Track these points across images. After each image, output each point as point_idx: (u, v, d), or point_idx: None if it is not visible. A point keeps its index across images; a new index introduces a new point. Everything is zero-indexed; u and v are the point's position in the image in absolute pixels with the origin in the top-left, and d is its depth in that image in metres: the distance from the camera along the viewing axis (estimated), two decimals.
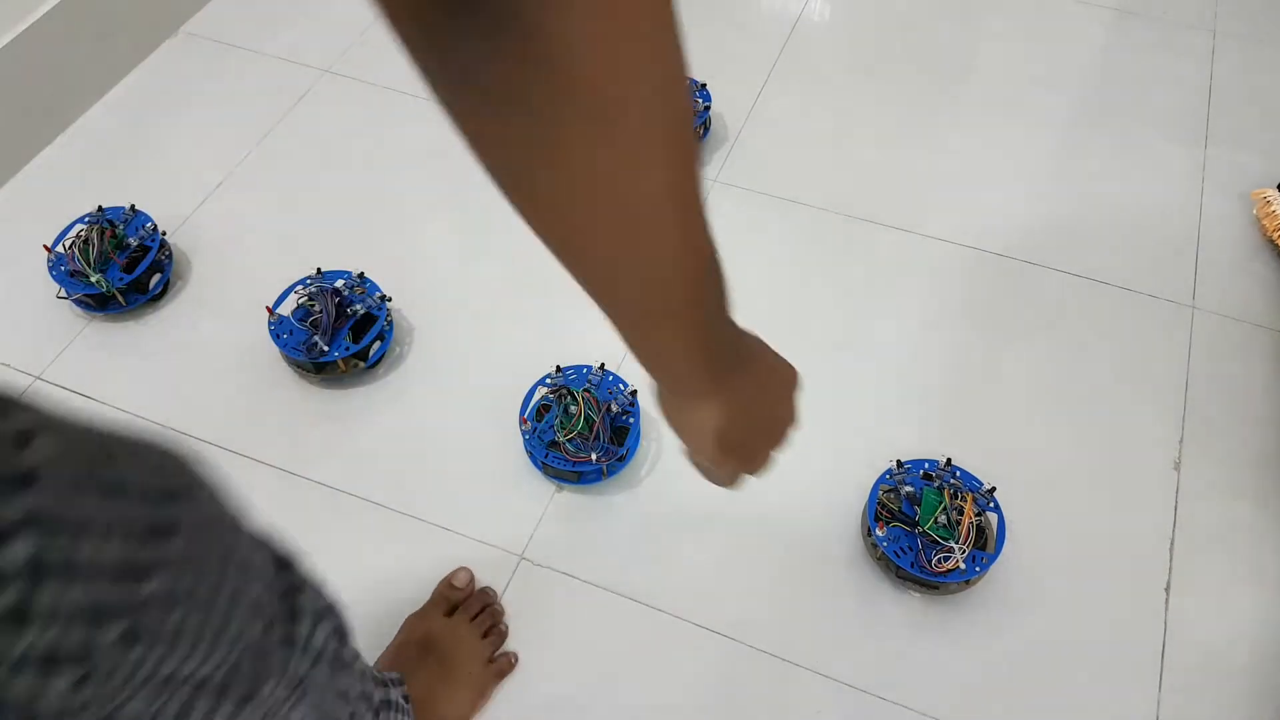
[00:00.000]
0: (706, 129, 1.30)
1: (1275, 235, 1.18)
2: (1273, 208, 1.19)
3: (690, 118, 0.29)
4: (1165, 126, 1.34)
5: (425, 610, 0.90)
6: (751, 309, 1.22)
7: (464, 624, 0.89)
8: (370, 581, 0.93)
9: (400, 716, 0.74)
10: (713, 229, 0.35)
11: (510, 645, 0.90)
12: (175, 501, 0.32)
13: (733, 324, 0.42)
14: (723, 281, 0.38)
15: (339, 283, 1.07)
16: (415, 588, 0.93)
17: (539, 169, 0.28)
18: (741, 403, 0.45)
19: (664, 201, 0.30)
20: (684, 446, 0.49)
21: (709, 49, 1.44)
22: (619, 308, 0.36)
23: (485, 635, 0.89)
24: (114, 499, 0.29)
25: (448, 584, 0.92)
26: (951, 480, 0.94)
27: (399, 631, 0.89)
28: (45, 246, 1.10)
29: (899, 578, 0.92)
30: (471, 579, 0.93)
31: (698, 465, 0.51)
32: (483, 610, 0.90)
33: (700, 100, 1.28)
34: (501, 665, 0.88)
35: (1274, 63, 1.43)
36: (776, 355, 0.52)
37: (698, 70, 1.35)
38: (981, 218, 1.24)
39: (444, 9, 0.23)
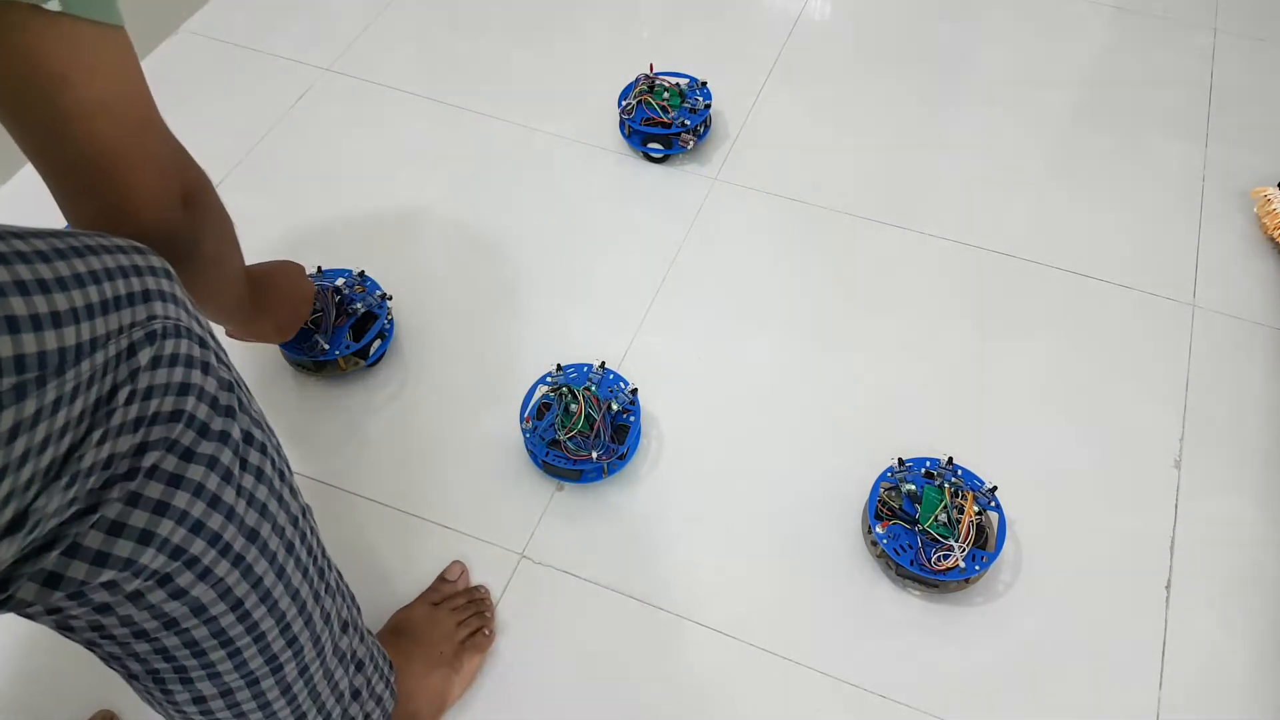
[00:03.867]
0: (707, 128, 1.30)
1: (1276, 233, 1.18)
2: (1273, 206, 1.19)
3: (238, 260, 0.78)
4: (1166, 124, 1.34)
5: (413, 601, 0.91)
6: (752, 306, 1.22)
7: (444, 611, 0.89)
8: (370, 579, 0.93)
9: (379, 687, 0.76)
10: (244, 272, 0.81)
11: (510, 644, 0.90)
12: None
13: (249, 281, 0.84)
14: (244, 278, 0.82)
15: (339, 281, 1.07)
16: (415, 585, 0.93)
17: (203, 281, 0.69)
18: (277, 303, 0.95)
19: (238, 278, 0.79)
20: (238, 332, 0.92)
21: (709, 49, 1.44)
22: (225, 314, 0.83)
23: (465, 623, 0.89)
24: None
25: (441, 578, 0.92)
26: (953, 479, 0.94)
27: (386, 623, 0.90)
28: None
29: (899, 575, 0.93)
30: (463, 573, 0.93)
31: (243, 338, 0.95)
32: (468, 603, 0.90)
33: (701, 99, 1.28)
34: (477, 640, 0.88)
35: (1275, 61, 1.43)
36: (281, 266, 0.98)
37: (698, 70, 1.35)
38: (982, 216, 1.24)
39: (173, 255, 0.57)
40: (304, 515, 0.64)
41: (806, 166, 1.29)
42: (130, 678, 0.60)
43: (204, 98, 1.37)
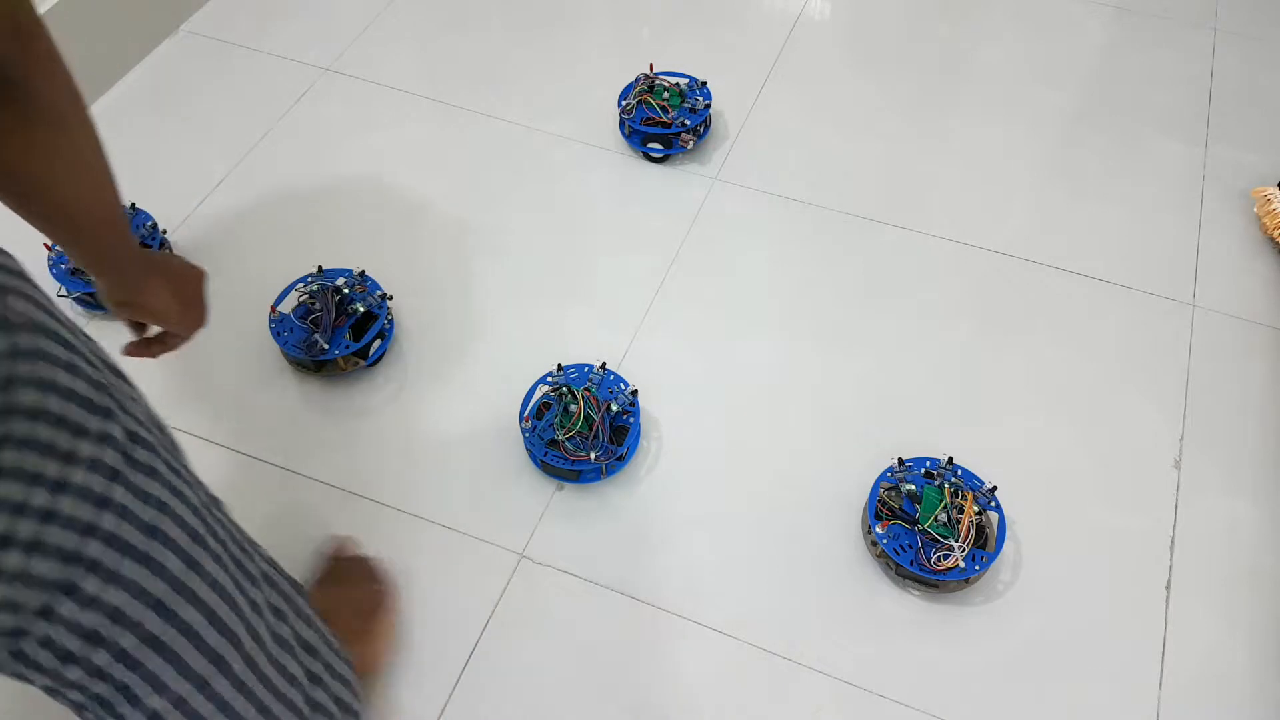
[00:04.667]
0: (707, 127, 1.30)
1: (1275, 233, 1.18)
2: (1273, 205, 1.19)
3: (88, 138, 0.59)
4: (1166, 124, 1.34)
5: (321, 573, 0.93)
6: (753, 306, 1.22)
7: (354, 561, 0.93)
8: None
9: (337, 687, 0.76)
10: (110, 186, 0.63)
11: (510, 643, 0.90)
12: None
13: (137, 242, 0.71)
14: (113, 194, 0.65)
15: (340, 281, 1.07)
16: (414, 585, 0.93)
17: (46, 154, 0.56)
18: (174, 280, 0.78)
19: (99, 161, 0.60)
20: (128, 306, 0.76)
21: (709, 49, 1.44)
22: (83, 235, 0.64)
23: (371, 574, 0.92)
24: None
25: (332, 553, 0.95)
26: (953, 479, 0.94)
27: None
28: (46, 245, 1.10)
29: (899, 575, 0.93)
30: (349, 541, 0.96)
31: (133, 310, 0.78)
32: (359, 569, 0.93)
33: (700, 99, 1.28)
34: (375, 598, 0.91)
35: (1274, 61, 1.43)
36: (184, 262, 0.81)
37: (698, 70, 1.35)
38: (982, 216, 1.24)
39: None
40: (209, 508, 0.62)
41: (806, 166, 1.29)
42: (78, 709, 0.58)
43: (204, 98, 1.37)
